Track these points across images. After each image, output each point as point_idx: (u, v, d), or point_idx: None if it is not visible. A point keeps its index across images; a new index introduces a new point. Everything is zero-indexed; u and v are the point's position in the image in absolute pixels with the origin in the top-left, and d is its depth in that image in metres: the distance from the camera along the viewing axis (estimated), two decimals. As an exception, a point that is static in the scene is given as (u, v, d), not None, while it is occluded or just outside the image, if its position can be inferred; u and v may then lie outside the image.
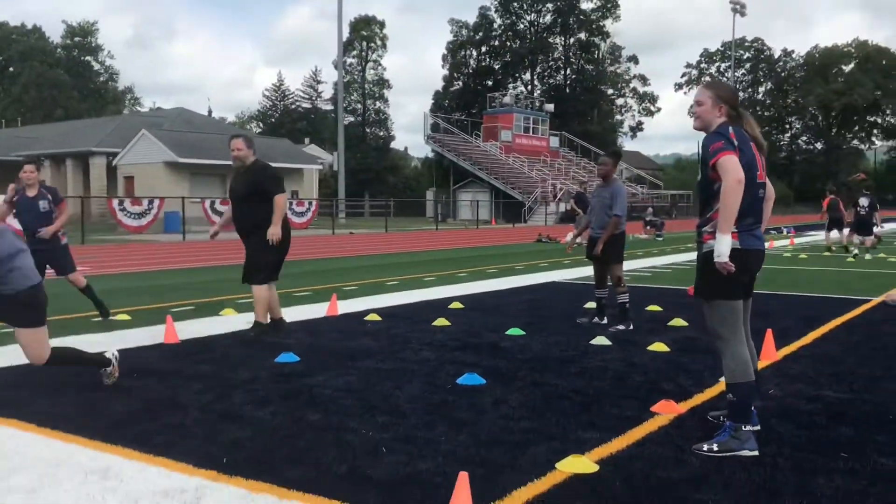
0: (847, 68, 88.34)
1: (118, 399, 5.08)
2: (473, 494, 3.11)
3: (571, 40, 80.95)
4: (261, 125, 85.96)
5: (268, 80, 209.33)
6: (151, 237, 27.75)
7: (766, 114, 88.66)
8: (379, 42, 77.61)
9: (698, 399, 5.12)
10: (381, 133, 79.66)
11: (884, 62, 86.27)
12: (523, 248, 23.32)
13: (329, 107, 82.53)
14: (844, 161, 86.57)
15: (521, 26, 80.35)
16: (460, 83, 79.92)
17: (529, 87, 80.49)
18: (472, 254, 20.49)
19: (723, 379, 4.88)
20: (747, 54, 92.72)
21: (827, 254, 19.45)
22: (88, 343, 7.07)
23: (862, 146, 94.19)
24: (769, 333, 6.58)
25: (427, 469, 3.76)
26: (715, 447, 3.98)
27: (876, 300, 10.13)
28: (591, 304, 8.83)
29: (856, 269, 15.11)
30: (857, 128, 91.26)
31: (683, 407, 4.88)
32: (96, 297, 8.36)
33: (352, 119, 75.36)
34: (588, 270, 12.75)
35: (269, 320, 7.58)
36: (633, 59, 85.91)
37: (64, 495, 3.44)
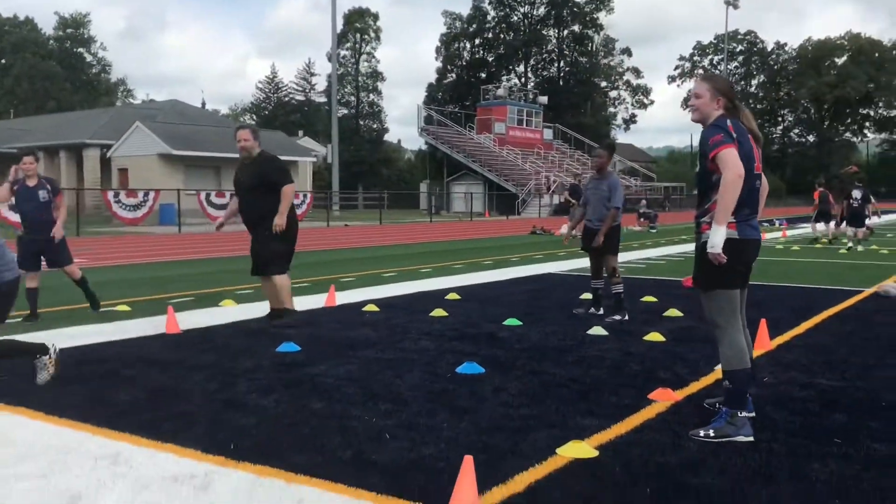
0: (840, 61, 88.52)
1: (123, 388, 5.15)
2: (477, 478, 3.19)
3: (565, 32, 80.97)
4: (254, 117, 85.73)
5: (261, 72, 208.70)
6: (147, 229, 27.75)
7: (758, 106, 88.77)
8: (372, 34, 77.46)
9: (694, 387, 5.21)
10: (375, 125, 79.56)
11: (876, 55, 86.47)
12: (518, 240, 23.40)
13: (323, 99, 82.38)
14: (837, 154, 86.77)
15: (515, 18, 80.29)
16: (454, 75, 79.88)
17: (523, 80, 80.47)
18: (466, 246, 20.57)
19: (718, 367, 4.97)
20: (740, 47, 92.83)
21: (818, 245, 19.59)
22: (88, 334, 7.14)
23: (854, 139, 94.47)
24: (763, 323, 6.68)
25: (430, 454, 3.84)
26: (711, 433, 4.07)
27: (868, 291, 10.25)
28: (587, 295, 8.92)
29: (848, 261, 15.24)
30: (849, 120, 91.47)
31: (680, 395, 4.97)
32: (89, 290, 8.38)
33: (345, 111, 75.23)
34: (583, 262, 12.84)
35: (280, 307, 7.65)
36: (627, 51, 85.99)
37: (75, 481, 3.50)
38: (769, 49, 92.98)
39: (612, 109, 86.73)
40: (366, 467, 3.67)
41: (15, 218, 19.37)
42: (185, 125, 41.27)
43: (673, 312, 8.26)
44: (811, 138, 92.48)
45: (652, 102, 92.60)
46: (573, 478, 3.55)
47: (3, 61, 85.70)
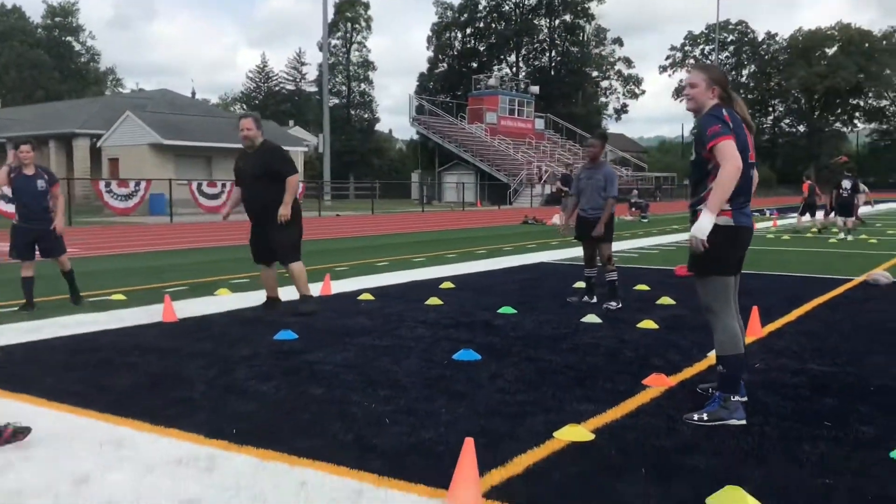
0: (830, 51, 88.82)
1: (123, 375, 5.19)
2: (476, 461, 3.26)
3: (556, 22, 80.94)
4: (244, 107, 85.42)
5: (251, 62, 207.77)
6: (138, 219, 27.70)
7: (749, 96, 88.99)
8: (363, 23, 77.29)
9: (687, 373, 5.29)
10: (366, 115, 79.46)
11: (866, 45, 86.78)
12: (510, 229, 23.48)
13: (313, 89, 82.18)
14: (827, 144, 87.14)
15: (507, 8, 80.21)
16: (445, 65, 79.81)
17: (514, 69, 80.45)
18: (459, 235, 20.63)
19: (711, 353, 5.06)
20: (731, 37, 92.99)
21: (810, 235, 19.73)
22: (84, 322, 7.18)
23: (844, 129, 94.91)
24: (755, 310, 6.77)
25: (430, 438, 3.91)
26: (705, 416, 4.15)
27: (857, 280, 10.37)
28: (581, 284, 9.00)
29: (837, 250, 15.37)
30: (839, 110, 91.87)
31: (674, 380, 5.05)
32: (74, 283, 8.34)
33: (336, 101, 75.05)
34: (575, 251, 12.93)
35: (276, 297, 7.71)
36: (618, 41, 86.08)
37: (82, 463, 3.56)
38: (760, 39, 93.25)
39: (603, 99, 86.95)
40: (367, 451, 3.73)
41: (6, 208, 19.33)
42: (175, 115, 41.10)
43: (666, 301, 8.35)
44: (801, 128, 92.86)
45: (643, 92, 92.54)
46: (570, 460, 3.62)
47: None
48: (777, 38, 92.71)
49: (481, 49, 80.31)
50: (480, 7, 79.45)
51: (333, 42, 74.79)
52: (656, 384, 4.93)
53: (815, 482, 3.37)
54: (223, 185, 30.07)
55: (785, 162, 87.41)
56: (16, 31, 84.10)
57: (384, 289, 9.46)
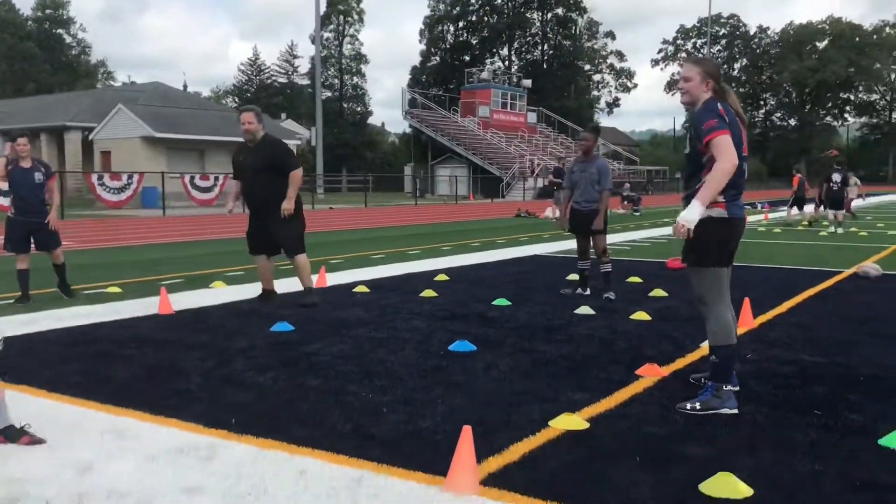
0: (821, 45, 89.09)
1: (121, 367, 5.23)
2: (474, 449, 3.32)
3: (549, 15, 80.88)
4: (236, 100, 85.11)
5: (243, 55, 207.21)
6: (131, 212, 27.65)
7: (741, 90, 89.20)
8: (356, 16, 77.06)
9: (680, 363, 5.36)
10: (359, 108, 79.34)
11: (857, 39, 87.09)
12: (503, 222, 23.54)
13: (305, 81, 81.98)
14: (817, 137, 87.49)
15: (499, 1, 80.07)
16: (438, 58, 79.69)
17: (507, 63, 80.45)
18: (453, 228, 20.68)
19: (703, 344, 5.13)
20: (723, 31, 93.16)
21: (801, 228, 19.86)
22: (81, 315, 7.21)
23: (835, 123, 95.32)
24: (747, 302, 6.84)
25: (427, 427, 3.97)
26: (698, 405, 4.22)
27: (847, 272, 10.47)
28: (574, 276, 9.06)
29: (828, 243, 15.49)
30: (830, 104, 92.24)
31: (666, 370, 5.12)
32: (65, 277, 8.34)
33: (329, 94, 74.92)
34: (567, 244, 13.01)
35: (270, 289, 7.75)
36: (610, 34, 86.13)
37: (84, 452, 3.60)
38: (752, 33, 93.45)
39: (595, 93, 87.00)
40: (366, 439, 3.79)
41: (1, 201, 19.26)
42: (167, 108, 40.93)
43: (658, 293, 8.43)
44: (792, 122, 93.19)
45: (635, 86, 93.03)
46: (566, 448, 3.69)
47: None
48: (769, 32, 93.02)
49: (474, 42, 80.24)
50: (473, 0, 79.31)
51: (326, 35, 74.62)
52: (649, 374, 5.00)
53: (805, 468, 3.44)
54: (216, 179, 30.04)
55: (776, 155, 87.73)
56: (6, 23, 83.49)
57: (379, 281, 9.51)
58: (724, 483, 3.17)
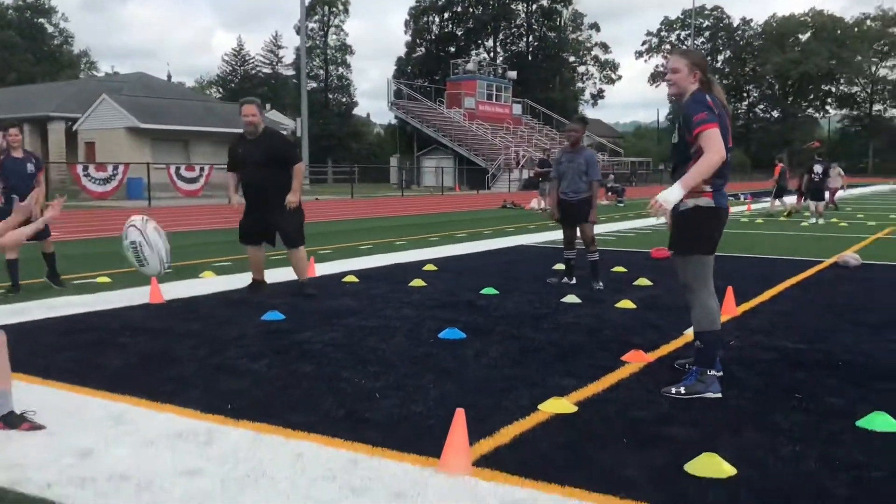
0: (803, 37, 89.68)
1: (115, 355, 5.29)
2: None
3: (534, 7, 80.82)
4: (220, 91, 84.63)
5: (227, 45, 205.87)
6: (116, 203, 27.51)
7: (724, 82, 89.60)
8: (341, 6, 76.71)
9: (665, 350, 5.49)
10: (344, 99, 79.01)
11: (838, 32, 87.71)
12: (489, 213, 23.65)
13: (290, 72, 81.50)
14: (800, 129, 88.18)
15: (484, -8, 79.92)
16: (423, 49, 79.50)
17: (492, 54, 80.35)
18: (439, 219, 20.75)
19: (687, 331, 5.25)
20: (707, 22, 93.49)
21: (783, 219, 20.09)
22: (72, 304, 7.25)
23: (816, 114, 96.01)
24: (729, 290, 6.98)
25: (420, 412, 4.06)
26: (682, 390, 4.34)
27: (828, 262, 10.65)
28: (560, 266, 9.17)
29: (809, 233, 15.70)
30: (812, 96, 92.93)
31: (651, 356, 5.24)
32: (55, 266, 8.37)
33: (314, 85, 74.55)
34: (552, 234, 13.12)
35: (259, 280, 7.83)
36: (595, 26, 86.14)
37: (84, 437, 3.67)
38: (735, 25, 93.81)
39: (580, 84, 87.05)
40: (360, 424, 3.88)
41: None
42: (151, 98, 40.72)
43: (642, 282, 8.56)
44: (775, 114, 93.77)
45: (619, 78, 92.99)
46: (555, 431, 3.79)
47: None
48: (752, 24, 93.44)
49: (459, 34, 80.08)
50: (458, -9, 79.16)
51: (311, 25, 74.25)
52: (635, 360, 5.12)
53: (786, 449, 3.57)
54: (201, 169, 29.94)
55: (759, 147, 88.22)
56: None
57: (368, 271, 9.59)
58: (708, 463, 3.28)
